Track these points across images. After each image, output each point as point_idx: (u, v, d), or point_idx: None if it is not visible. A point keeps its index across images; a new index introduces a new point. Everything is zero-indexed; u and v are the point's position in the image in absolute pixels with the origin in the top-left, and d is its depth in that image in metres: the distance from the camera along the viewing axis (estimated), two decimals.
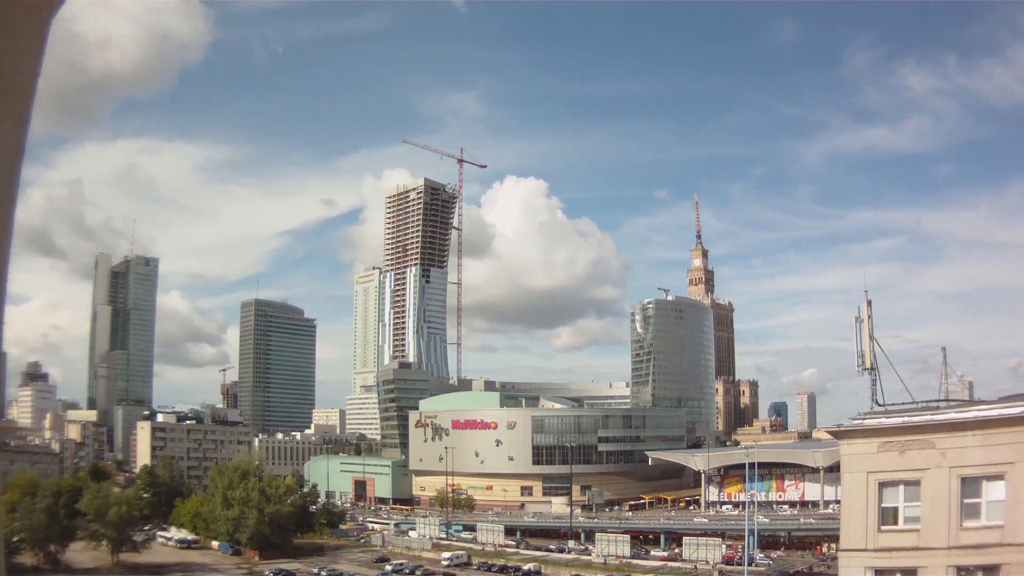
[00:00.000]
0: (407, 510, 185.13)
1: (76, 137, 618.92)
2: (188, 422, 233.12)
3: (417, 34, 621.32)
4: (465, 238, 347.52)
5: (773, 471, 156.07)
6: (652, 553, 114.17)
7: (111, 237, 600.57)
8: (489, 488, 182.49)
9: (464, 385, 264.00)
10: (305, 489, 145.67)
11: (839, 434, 26.39)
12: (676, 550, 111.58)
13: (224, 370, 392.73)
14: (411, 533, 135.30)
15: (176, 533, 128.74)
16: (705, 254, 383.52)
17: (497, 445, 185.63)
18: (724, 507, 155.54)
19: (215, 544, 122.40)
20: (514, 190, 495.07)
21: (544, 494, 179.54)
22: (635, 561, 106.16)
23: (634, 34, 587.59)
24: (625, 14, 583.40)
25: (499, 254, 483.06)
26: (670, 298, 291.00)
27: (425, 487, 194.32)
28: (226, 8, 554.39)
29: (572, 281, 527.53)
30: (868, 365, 31.85)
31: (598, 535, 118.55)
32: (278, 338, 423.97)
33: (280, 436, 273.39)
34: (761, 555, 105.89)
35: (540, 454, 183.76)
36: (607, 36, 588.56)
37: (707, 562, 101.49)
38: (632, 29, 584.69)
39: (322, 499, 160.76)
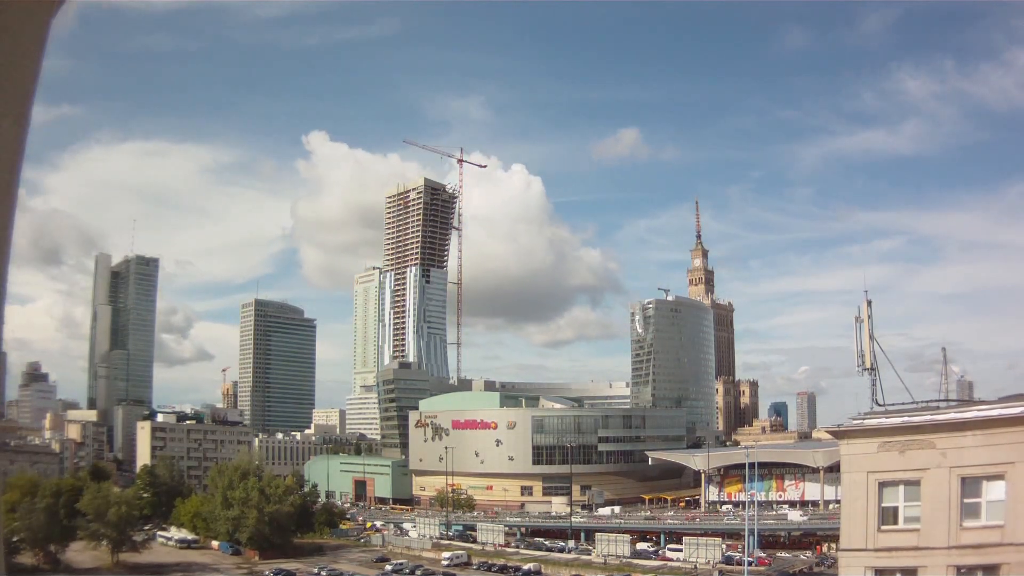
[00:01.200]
0: (407, 510, 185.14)
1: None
2: (188, 422, 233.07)
3: (424, 40, 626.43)
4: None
5: (773, 471, 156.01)
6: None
7: (115, 238, 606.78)
8: (489, 488, 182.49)
9: (464, 385, 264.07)
10: (305, 489, 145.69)
11: (839, 434, 26.40)
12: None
13: (225, 370, 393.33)
14: (411, 533, 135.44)
15: (176, 533, 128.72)
16: (705, 254, 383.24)
17: (497, 445, 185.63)
18: (724, 507, 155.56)
19: (215, 544, 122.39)
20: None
21: (544, 494, 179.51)
22: (635, 561, 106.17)
23: (634, 41, 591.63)
24: (625, 23, 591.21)
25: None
26: (670, 298, 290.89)
27: (425, 487, 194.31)
28: (237, 14, 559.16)
29: (537, 269, 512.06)
30: (868, 365, 31.84)
31: (598, 535, 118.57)
32: (278, 338, 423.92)
33: (280, 436, 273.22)
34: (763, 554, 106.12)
35: (540, 454, 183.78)
36: (608, 44, 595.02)
37: (707, 562, 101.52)
38: (632, 37, 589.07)
39: (322, 499, 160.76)
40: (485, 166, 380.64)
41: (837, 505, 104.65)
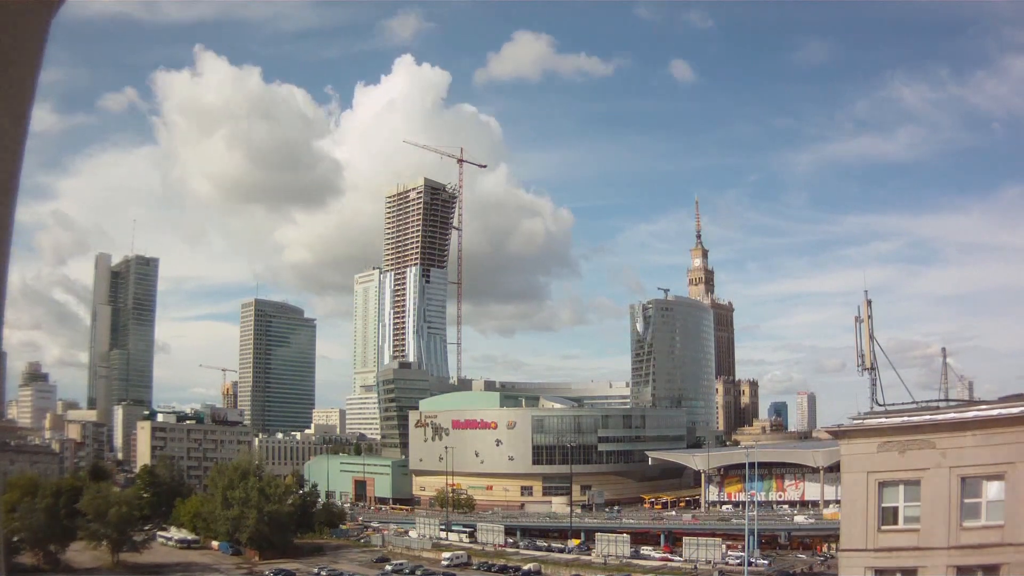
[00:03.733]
0: (407, 510, 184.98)
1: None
2: (188, 422, 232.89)
3: (434, 50, 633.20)
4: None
5: (773, 471, 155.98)
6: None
7: (128, 239, 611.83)
8: (489, 488, 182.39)
9: (464, 385, 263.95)
10: (305, 489, 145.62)
11: (839, 434, 26.39)
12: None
13: (225, 370, 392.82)
14: (411, 533, 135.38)
15: (176, 533, 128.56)
16: (705, 254, 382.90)
17: (497, 445, 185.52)
18: (724, 507, 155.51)
19: (215, 544, 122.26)
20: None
21: (544, 494, 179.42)
22: (635, 561, 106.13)
23: (635, 46, 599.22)
24: (626, 28, 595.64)
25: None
26: (670, 298, 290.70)
27: (425, 487, 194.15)
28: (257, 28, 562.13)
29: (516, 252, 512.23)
30: (868, 365, 31.86)
31: (598, 535, 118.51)
32: (278, 338, 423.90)
33: (280, 436, 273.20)
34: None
35: (540, 454, 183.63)
36: (610, 48, 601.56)
37: (707, 562, 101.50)
38: (633, 42, 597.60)
39: (322, 499, 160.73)
40: (485, 166, 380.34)
41: (837, 506, 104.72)
